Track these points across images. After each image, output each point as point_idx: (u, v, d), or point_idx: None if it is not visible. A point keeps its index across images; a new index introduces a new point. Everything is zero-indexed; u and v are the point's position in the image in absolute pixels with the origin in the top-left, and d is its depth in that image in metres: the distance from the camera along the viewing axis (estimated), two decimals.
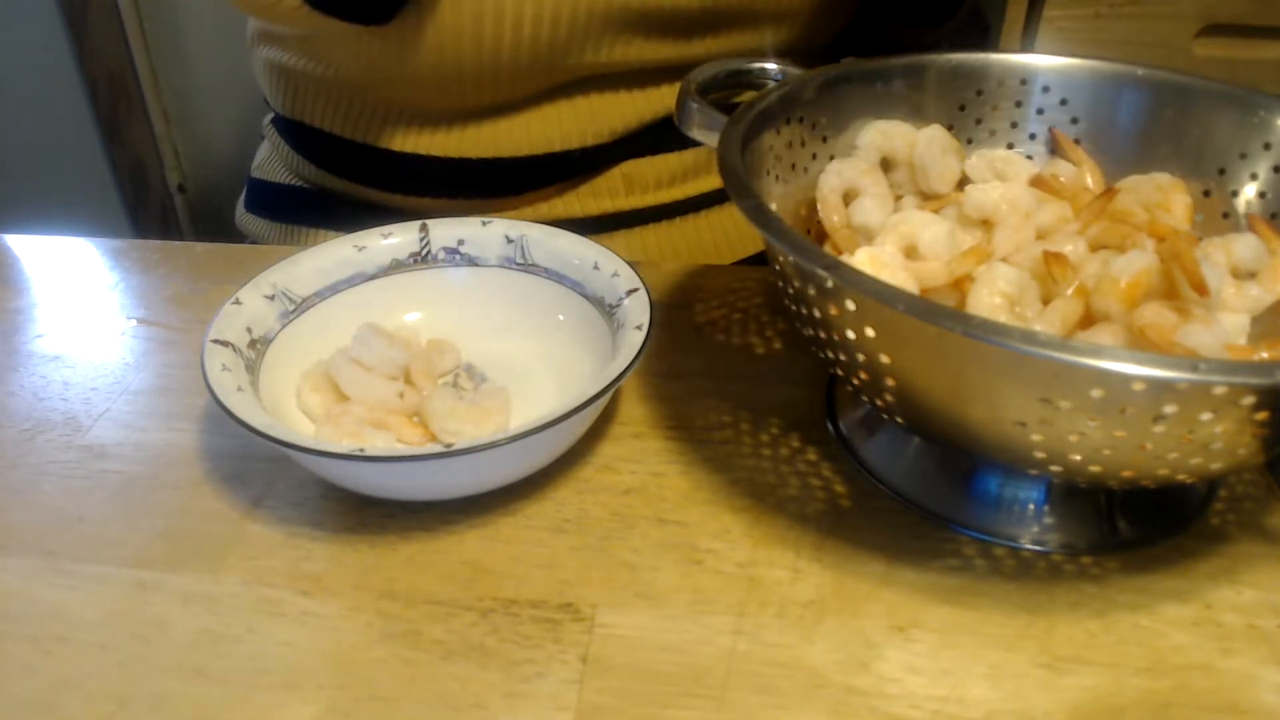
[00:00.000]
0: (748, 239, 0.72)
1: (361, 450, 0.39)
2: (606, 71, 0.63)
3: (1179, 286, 0.40)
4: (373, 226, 0.52)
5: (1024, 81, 0.52)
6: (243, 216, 0.77)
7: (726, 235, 0.71)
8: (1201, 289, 0.39)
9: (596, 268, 0.50)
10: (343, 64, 0.64)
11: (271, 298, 0.48)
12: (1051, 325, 0.41)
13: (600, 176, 0.67)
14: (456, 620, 0.39)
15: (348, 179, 0.69)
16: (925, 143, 0.49)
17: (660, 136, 0.67)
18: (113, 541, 0.43)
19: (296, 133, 0.71)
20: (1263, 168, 0.48)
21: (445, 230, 0.53)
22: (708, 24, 0.63)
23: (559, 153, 0.65)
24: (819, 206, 0.48)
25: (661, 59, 0.63)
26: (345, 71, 0.65)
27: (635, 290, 0.47)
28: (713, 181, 0.70)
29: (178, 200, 1.46)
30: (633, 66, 0.63)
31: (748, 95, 0.48)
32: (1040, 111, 0.52)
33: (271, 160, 0.76)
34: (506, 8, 0.57)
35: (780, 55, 0.69)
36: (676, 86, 0.65)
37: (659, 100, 0.65)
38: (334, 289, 0.51)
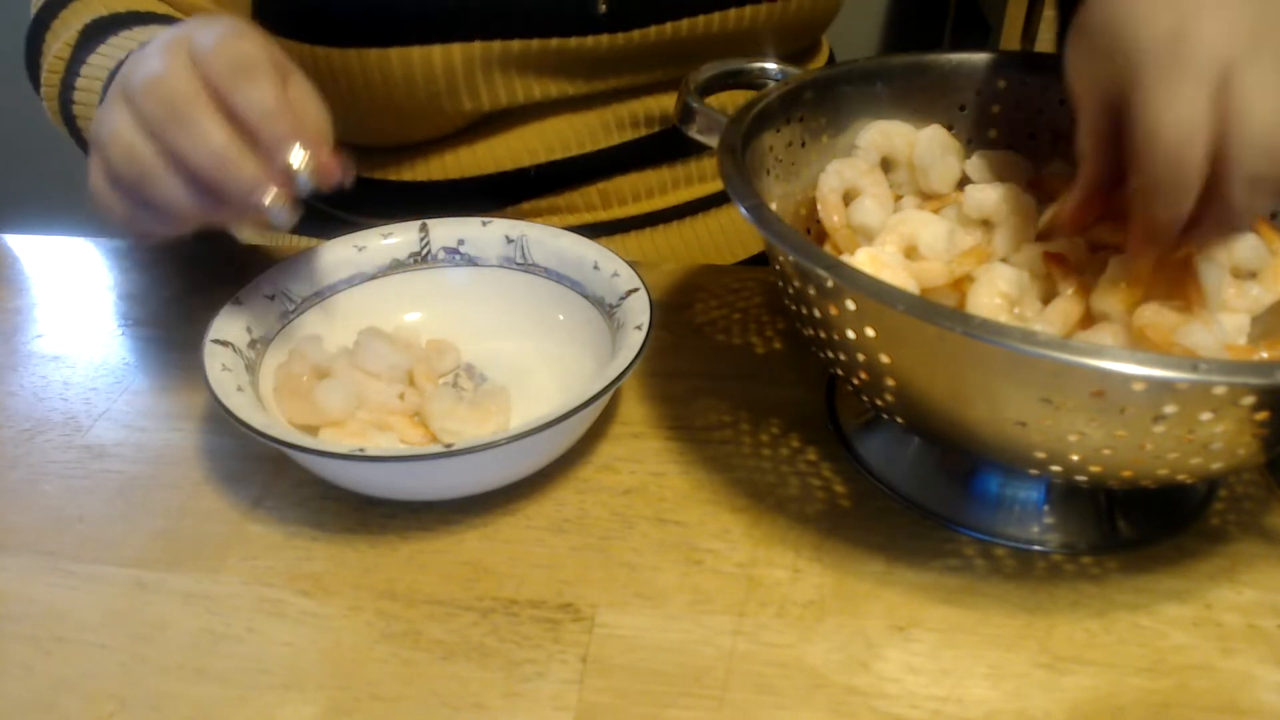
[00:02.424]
0: (746, 240, 0.71)
1: (361, 450, 0.39)
2: (522, 105, 0.61)
3: (1179, 286, 0.40)
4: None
5: (1024, 81, 0.52)
6: None
7: (726, 236, 0.70)
8: (1199, 293, 0.39)
9: (596, 268, 0.50)
10: None
11: (271, 298, 0.48)
12: (1051, 325, 0.41)
13: (575, 192, 0.65)
14: (456, 620, 0.39)
15: (321, 202, 0.68)
16: (925, 143, 0.50)
17: (629, 158, 0.65)
18: (112, 541, 0.43)
19: None
20: None
21: (445, 230, 0.53)
22: (610, 64, 0.60)
23: (510, 171, 0.64)
24: (819, 206, 0.48)
25: (573, 94, 0.61)
26: None
27: (635, 290, 0.47)
28: (703, 188, 0.69)
29: None
30: (537, 101, 0.61)
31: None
32: (1040, 112, 0.52)
33: None
34: (393, 58, 0.57)
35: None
36: (616, 109, 0.62)
37: (599, 126, 0.63)
38: (334, 289, 0.51)
